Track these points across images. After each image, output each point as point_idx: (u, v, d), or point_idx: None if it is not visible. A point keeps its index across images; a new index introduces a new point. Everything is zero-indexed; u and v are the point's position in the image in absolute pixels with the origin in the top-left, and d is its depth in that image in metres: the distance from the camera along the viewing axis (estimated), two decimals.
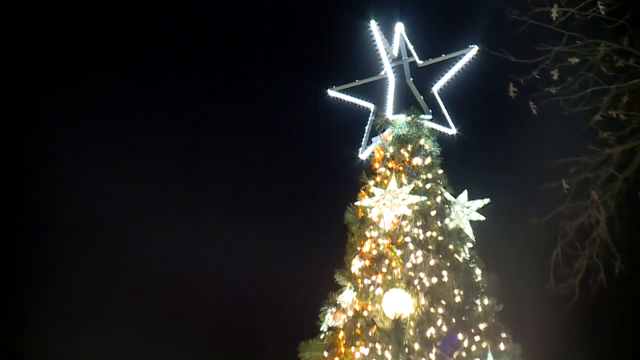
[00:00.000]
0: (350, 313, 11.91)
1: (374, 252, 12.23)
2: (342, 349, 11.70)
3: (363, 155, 13.62)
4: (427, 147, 12.91)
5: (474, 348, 11.22)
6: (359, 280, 12.06)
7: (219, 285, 26.83)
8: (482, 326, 11.34)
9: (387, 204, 12.36)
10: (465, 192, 12.41)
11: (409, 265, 11.80)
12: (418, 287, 11.63)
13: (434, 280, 11.66)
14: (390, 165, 12.88)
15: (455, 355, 11.22)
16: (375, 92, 13.88)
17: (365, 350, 11.36)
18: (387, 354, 11.26)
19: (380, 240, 12.19)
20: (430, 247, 11.95)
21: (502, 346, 11.21)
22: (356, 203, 12.74)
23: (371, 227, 12.39)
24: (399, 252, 11.96)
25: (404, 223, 12.14)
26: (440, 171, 12.76)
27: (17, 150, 30.44)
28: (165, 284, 27.12)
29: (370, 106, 13.84)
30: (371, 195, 12.48)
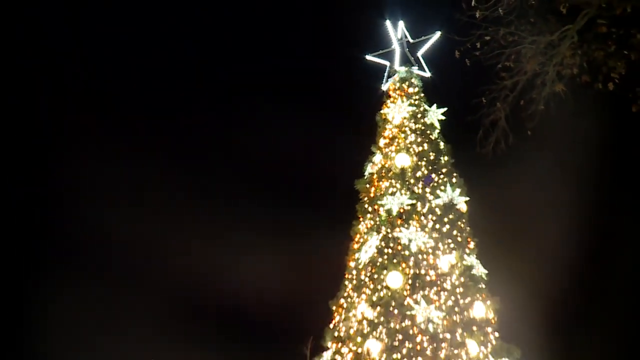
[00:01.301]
0: (379, 165, 12.97)
1: (390, 135, 13.31)
2: (375, 183, 12.77)
3: (384, 87, 14.34)
4: (415, 82, 13.97)
5: (440, 181, 12.46)
6: (383, 149, 13.20)
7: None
8: (444, 170, 12.62)
9: (396, 111, 13.48)
10: (435, 105, 13.49)
11: (407, 141, 12.96)
12: (412, 152, 12.80)
13: (420, 148, 12.85)
14: (397, 92, 13.89)
15: (431, 185, 12.31)
16: (389, 56, 14.62)
17: (387, 184, 12.43)
18: (398, 185, 12.28)
19: (393, 129, 13.32)
20: (417, 132, 13.13)
21: (453, 180, 12.47)
22: (381, 111, 13.73)
23: (388, 122, 13.50)
24: (402, 135, 13.11)
25: (405, 120, 13.28)
26: (422, 95, 13.85)
27: (49, 165, 23.04)
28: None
29: (387, 63, 14.60)
30: (388, 107, 13.64)
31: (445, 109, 13.68)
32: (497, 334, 11.29)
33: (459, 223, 12.21)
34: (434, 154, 12.97)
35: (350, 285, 11.99)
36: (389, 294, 11.26)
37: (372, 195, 12.77)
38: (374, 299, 11.42)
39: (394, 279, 11.29)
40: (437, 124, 13.55)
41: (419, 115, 13.50)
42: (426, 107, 13.69)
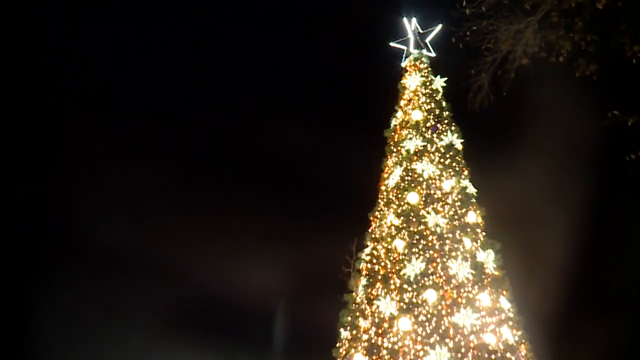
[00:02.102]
0: (400, 119, 13.80)
1: (408, 98, 14.09)
2: (398, 131, 13.64)
3: (403, 64, 14.83)
4: (424, 60, 14.69)
5: (442, 129, 13.40)
6: (403, 108, 13.97)
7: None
8: (445, 121, 13.59)
9: (411, 80, 14.32)
10: (439, 76, 14.26)
11: (420, 101, 13.84)
12: (423, 109, 13.68)
13: (428, 106, 13.72)
14: (412, 67, 14.61)
15: (437, 131, 13.28)
16: (406, 42, 14.99)
17: (406, 132, 13.42)
18: (413, 132, 13.28)
19: (410, 93, 14.14)
20: (426, 95, 13.96)
21: (452, 127, 13.44)
22: (401, 81, 14.46)
23: (406, 88, 14.27)
24: (416, 97, 13.94)
25: (418, 87, 14.11)
26: (429, 69, 14.53)
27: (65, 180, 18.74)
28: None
29: (404, 47, 14.94)
30: (406, 78, 14.43)
31: (446, 78, 14.25)
32: (484, 233, 12.32)
33: (457, 157, 13.12)
34: (438, 110, 13.73)
35: (382, 202, 12.96)
36: (409, 207, 12.23)
37: (396, 140, 13.60)
38: (399, 211, 12.36)
39: (412, 197, 12.33)
40: (440, 89, 14.18)
41: (428, 83, 14.21)
42: (432, 77, 14.35)
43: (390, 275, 11.77)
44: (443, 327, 11.01)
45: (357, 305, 12.11)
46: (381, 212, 12.87)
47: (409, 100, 14.04)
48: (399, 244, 11.97)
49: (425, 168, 12.80)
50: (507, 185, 16.04)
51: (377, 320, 11.57)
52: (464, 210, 12.38)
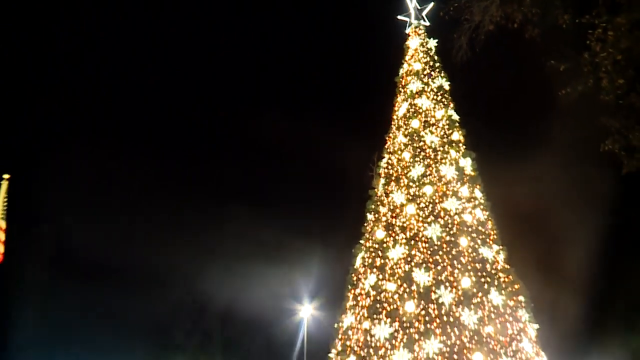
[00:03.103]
0: (405, 69, 15.43)
1: (411, 54, 15.70)
2: (404, 79, 15.33)
3: (407, 31, 16.16)
4: (422, 28, 16.19)
5: (435, 74, 15.10)
6: (407, 61, 15.60)
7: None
8: (437, 69, 15.26)
9: (413, 41, 15.88)
10: (432, 38, 15.84)
11: (419, 56, 15.46)
12: (421, 62, 15.35)
13: (425, 60, 15.35)
14: (413, 32, 16.12)
15: (431, 77, 14.94)
16: (408, 16, 16.34)
17: (409, 78, 15.19)
18: (415, 78, 15.06)
19: (412, 51, 15.74)
20: (423, 52, 15.53)
21: (442, 74, 15.25)
22: (406, 42, 15.91)
23: (409, 47, 15.82)
24: (416, 54, 15.51)
25: (417, 46, 15.69)
26: (425, 33, 16.03)
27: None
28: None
29: (407, 19, 16.37)
30: (409, 40, 15.94)
31: (437, 40, 15.78)
32: (464, 147, 14.29)
33: (445, 95, 14.98)
34: (432, 62, 15.40)
35: (394, 127, 14.90)
36: (413, 130, 14.41)
37: (403, 83, 15.33)
38: (406, 132, 14.47)
39: (415, 123, 14.47)
40: (433, 48, 15.72)
41: (424, 44, 15.71)
42: (428, 39, 15.81)
43: (400, 176, 13.94)
44: (436, 211, 13.31)
45: (378, 197, 14.29)
46: (393, 134, 15.01)
47: (412, 56, 15.76)
48: (406, 155, 14.16)
49: (424, 103, 14.83)
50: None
51: (391, 207, 13.72)
52: (450, 132, 14.60)
